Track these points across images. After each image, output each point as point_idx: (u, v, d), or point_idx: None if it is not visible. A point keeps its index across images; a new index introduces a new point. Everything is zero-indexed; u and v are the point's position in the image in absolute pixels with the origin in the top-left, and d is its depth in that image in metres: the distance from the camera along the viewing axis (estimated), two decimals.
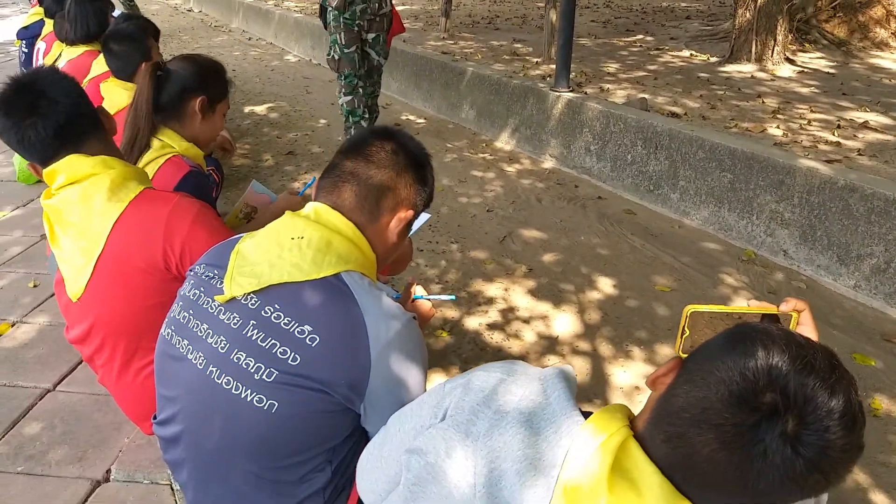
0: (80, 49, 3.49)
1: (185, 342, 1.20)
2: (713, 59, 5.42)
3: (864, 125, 3.69)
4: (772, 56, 5.05)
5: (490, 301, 2.61)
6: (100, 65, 3.07)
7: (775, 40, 5.02)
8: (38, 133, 1.44)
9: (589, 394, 2.13)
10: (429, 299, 1.53)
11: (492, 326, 2.46)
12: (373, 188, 1.24)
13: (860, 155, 3.23)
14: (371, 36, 3.98)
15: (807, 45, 5.68)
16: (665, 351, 2.33)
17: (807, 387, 0.67)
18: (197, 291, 1.22)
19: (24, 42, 4.84)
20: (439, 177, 3.69)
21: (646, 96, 4.13)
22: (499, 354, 2.27)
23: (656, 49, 5.89)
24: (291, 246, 1.18)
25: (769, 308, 0.92)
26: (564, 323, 2.49)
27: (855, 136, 3.52)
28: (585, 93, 4.27)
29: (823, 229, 2.81)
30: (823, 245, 2.82)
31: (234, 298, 1.16)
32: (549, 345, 2.36)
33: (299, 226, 1.21)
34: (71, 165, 1.47)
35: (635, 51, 5.85)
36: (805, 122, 3.76)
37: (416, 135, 1.38)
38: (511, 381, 0.91)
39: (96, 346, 1.56)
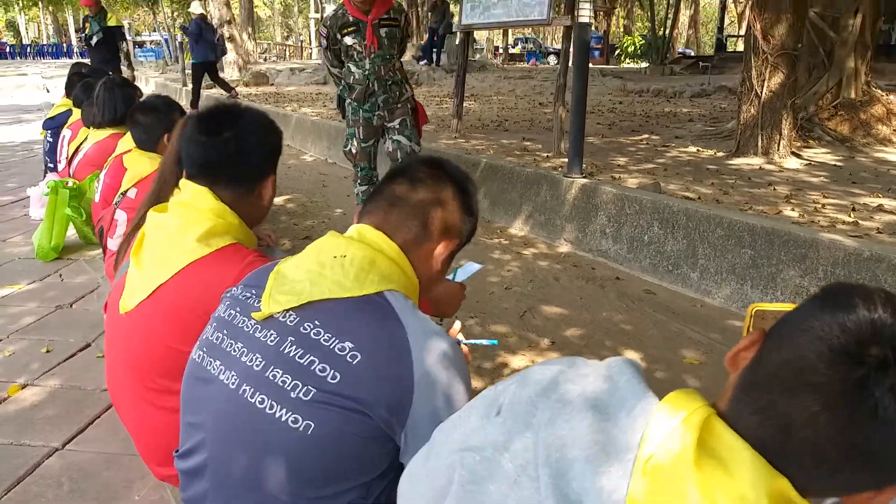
0: (106, 132, 3.60)
1: (217, 362, 1.14)
2: (720, 154, 5.54)
3: (879, 208, 3.71)
4: (778, 150, 5.16)
5: (515, 372, 2.53)
6: (125, 143, 3.14)
7: (781, 134, 5.13)
8: (206, 153, 1.50)
9: None
10: (470, 344, 1.48)
11: None
12: (419, 212, 1.22)
13: (879, 233, 3.22)
14: (397, 122, 4.04)
15: (811, 141, 5.82)
16: None
17: None
18: (232, 311, 1.18)
19: (49, 132, 5.00)
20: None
21: (658, 182, 4.18)
22: None
23: (663, 146, 6.03)
24: (333, 264, 1.14)
25: None
26: None
27: (871, 217, 3.53)
28: (598, 179, 4.33)
29: None
30: None
31: (271, 316, 1.12)
32: None
33: (342, 244, 1.18)
34: (199, 196, 1.50)
35: (643, 147, 5.99)
36: (819, 205, 3.79)
37: None
38: (572, 371, 0.85)
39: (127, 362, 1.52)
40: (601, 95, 11.26)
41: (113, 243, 2.71)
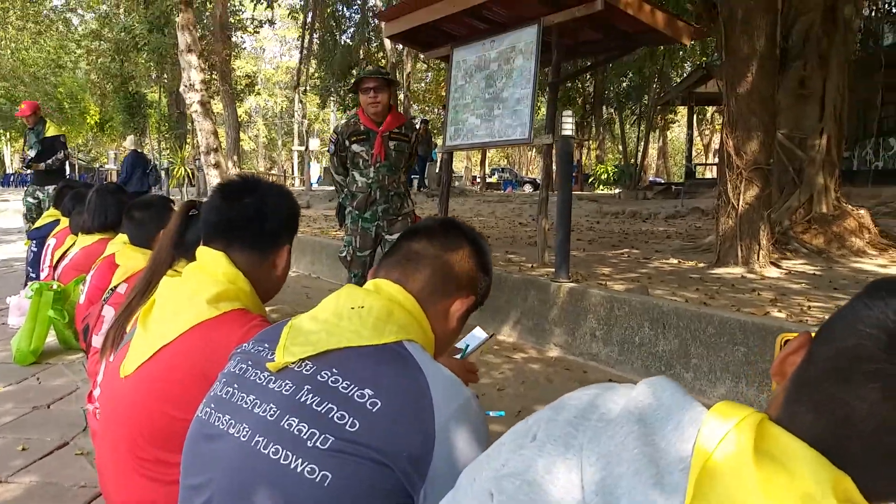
0: (95, 237, 3.60)
1: (227, 417, 1.08)
2: (701, 265, 5.64)
3: None
4: (758, 259, 5.26)
5: None
6: (114, 246, 3.14)
7: (759, 245, 5.26)
8: (225, 214, 1.53)
9: None
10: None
11: None
12: (436, 268, 1.23)
13: None
14: (395, 235, 4.11)
15: (788, 253, 5.96)
16: None
17: None
18: (243, 365, 1.14)
19: (34, 242, 4.99)
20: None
21: (646, 286, 4.22)
22: None
23: (644, 258, 6.14)
24: (350, 315, 1.13)
25: None
26: None
27: None
28: (587, 283, 4.37)
29: None
30: None
31: (286, 367, 1.08)
32: None
33: (359, 296, 1.17)
34: (214, 260, 1.50)
35: (625, 259, 6.09)
36: (805, 307, 3.82)
37: None
38: (609, 393, 0.82)
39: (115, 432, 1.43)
40: (579, 217, 11.57)
41: (97, 340, 2.64)
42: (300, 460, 0.97)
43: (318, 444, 0.97)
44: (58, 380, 3.30)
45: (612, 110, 25.17)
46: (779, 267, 5.37)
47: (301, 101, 24.61)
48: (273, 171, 48.19)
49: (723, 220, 5.38)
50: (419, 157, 16.45)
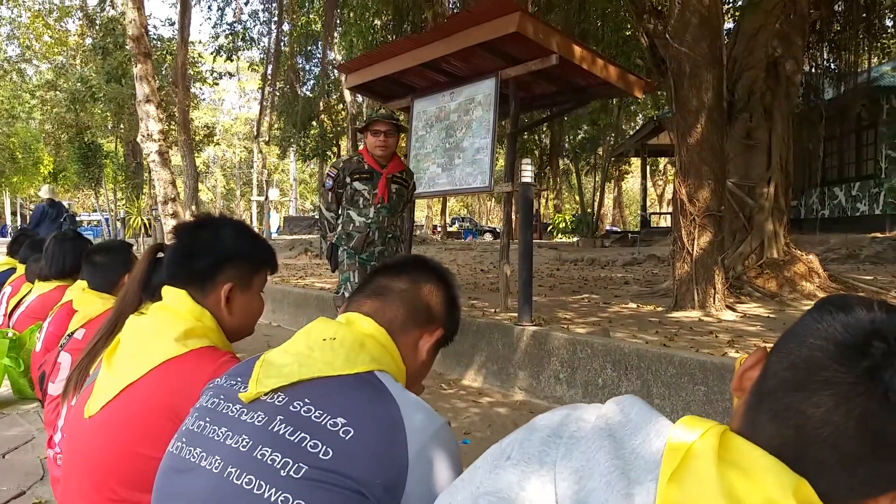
0: (52, 284, 3.53)
1: (199, 450, 1.08)
2: (660, 309, 5.75)
3: None
4: (714, 303, 5.40)
5: None
6: (71, 293, 3.08)
7: (715, 288, 5.40)
8: (171, 252, 1.55)
9: None
10: None
11: None
12: (405, 301, 1.27)
13: None
14: None
15: (742, 297, 6.12)
16: None
17: None
18: (216, 399, 1.14)
19: None
20: None
21: (607, 328, 4.29)
22: None
23: (604, 303, 6.24)
24: (323, 346, 1.15)
25: None
26: None
27: None
28: (550, 326, 4.42)
29: None
30: None
31: (259, 399, 1.08)
32: None
33: (331, 328, 1.20)
34: (177, 299, 1.50)
35: (585, 304, 6.18)
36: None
37: None
38: (579, 412, 0.86)
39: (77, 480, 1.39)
40: (540, 264, 11.71)
41: (54, 388, 2.58)
42: (273, 490, 0.97)
43: (291, 473, 0.98)
44: (13, 429, 3.20)
45: (569, 161, 25.77)
46: (734, 310, 5.51)
47: (261, 152, 24.63)
48: None
49: (678, 265, 5.53)
50: None
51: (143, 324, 1.48)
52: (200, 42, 24.66)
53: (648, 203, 23.77)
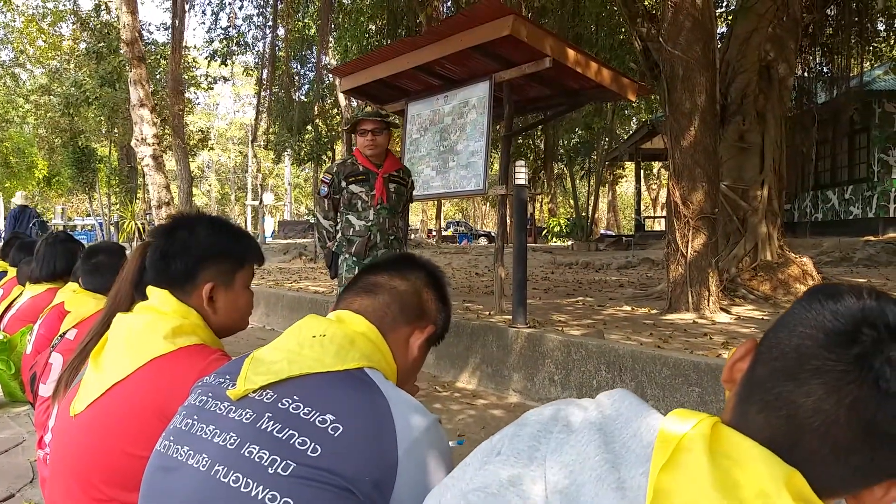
0: (43, 286, 3.51)
1: (186, 448, 1.07)
2: (654, 311, 5.76)
3: None
4: (708, 305, 5.40)
5: None
6: (62, 295, 3.06)
7: (709, 291, 5.41)
8: (152, 253, 1.52)
9: None
10: None
11: None
12: (395, 298, 1.26)
13: None
14: None
15: (737, 299, 6.14)
16: None
17: None
18: (204, 397, 1.13)
19: None
20: None
21: (602, 330, 4.29)
22: None
23: (599, 306, 6.24)
24: (312, 343, 1.14)
25: None
26: None
27: None
28: (544, 329, 4.41)
29: None
30: None
31: (247, 396, 1.07)
32: None
33: (321, 325, 1.19)
34: (162, 299, 1.48)
35: (580, 307, 6.18)
36: None
37: None
38: (571, 407, 0.85)
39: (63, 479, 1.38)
40: (534, 267, 11.70)
41: (45, 389, 2.56)
42: (261, 487, 0.96)
43: (279, 470, 0.97)
44: (3, 432, 3.18)
45: (563, 165, 25.79)
46: (728, 312, 5.52)
47: (255, 157, 24.59)
48: None
49: (673, 267, 5.53)
50: None
51: (130, 322, 1.46)
52: (195, 47, 24.63)
53: (643, 207, 23.80)
